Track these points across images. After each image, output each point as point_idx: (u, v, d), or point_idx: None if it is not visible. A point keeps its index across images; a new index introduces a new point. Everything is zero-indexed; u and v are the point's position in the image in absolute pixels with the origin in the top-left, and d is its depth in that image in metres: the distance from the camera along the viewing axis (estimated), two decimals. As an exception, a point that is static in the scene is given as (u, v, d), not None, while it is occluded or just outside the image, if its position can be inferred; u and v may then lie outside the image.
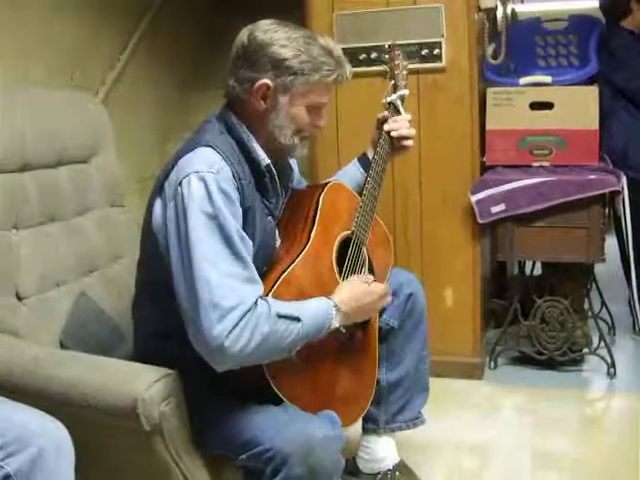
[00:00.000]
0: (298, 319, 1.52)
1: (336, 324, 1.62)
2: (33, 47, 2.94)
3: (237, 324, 1.43)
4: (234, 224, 1.51)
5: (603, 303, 3.45)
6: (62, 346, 1.84)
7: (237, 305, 1.44)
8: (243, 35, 1.65)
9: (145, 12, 3.90)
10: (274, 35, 1.61)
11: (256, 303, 1.48)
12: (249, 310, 1.45)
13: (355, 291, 1.69)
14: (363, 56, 2.84)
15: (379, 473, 2.08)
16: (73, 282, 1.97)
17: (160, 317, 1.66)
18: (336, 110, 2.92)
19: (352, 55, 2.85)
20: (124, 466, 1.63)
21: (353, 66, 2.79)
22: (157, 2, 4.00)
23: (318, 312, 1.58)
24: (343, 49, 2.78)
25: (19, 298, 1.79)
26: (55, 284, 1.91)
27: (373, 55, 2.79)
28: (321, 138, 2.95)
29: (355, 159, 2.07)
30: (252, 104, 1.65)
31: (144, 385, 1.47)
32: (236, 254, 1.50)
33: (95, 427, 1.53)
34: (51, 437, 1.29)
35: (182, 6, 4.29)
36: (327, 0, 2.88)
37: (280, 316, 1.49)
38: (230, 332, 1.42)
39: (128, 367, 1.59)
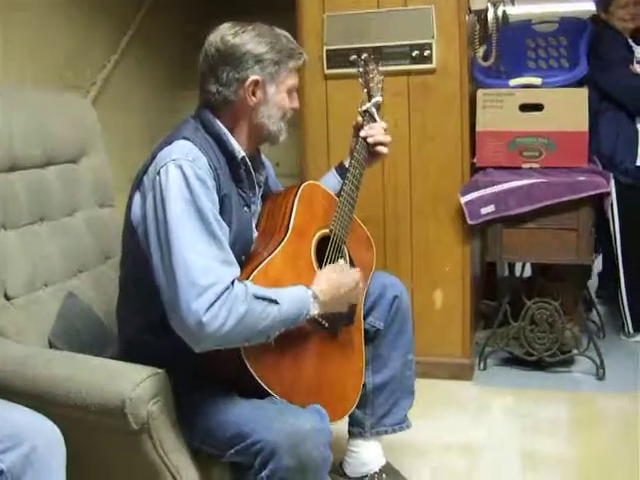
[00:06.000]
0: (276, 302, 1.53)
1: (314, 311, 1.63)
2: (24, 48, 2.93)
3: (215, 302, 1.45)
4: (211, 208, 1.55)
5: (592, 304, 3.47)
6: (51, 346, 1.83)
7: (214, 283, 1.46)
8: (215, 41, 1.72)
9: (136, 13, 3.91)
10: (244, 36, 1.70)
11: (233, 283, 1.50)
12: (226, 289, 1.47)
13: (332, 280, 1.71)
14: (353, 57, 2.83)
15: (366, 476, 2.08)
16: (61, 282, 1.96)
17: (143, 313, 1.68)
18: (326, 110, 2.93)
19: (343, 56, 2.86)
20: (113, 465, 1.63)
21: (343, 67, 2.87)
22: (147, 3, 4.01)
23: (296, 297, 1.59)
24: (334, 50, 2.86)
25: (7, 298, 1.79)
26: (43, 284, 1.90)
27: (363, 56, 2.78)
28: (311, 138, 2.95)
29: (332, 169, 2.10)
30: (242, 102, 1.71)
31: (131, 384, 1.47)
32: (213, 236, 1.52)
33: (83, 426, 1.53)
34: (44, 436, 1.31)
35: (172, 7, 4.30)
36: (318, 1, 2.89)
37: (257, 297, 1.51)
38: (208, 309, 1.44)
39: (116, 366, 1.59)
